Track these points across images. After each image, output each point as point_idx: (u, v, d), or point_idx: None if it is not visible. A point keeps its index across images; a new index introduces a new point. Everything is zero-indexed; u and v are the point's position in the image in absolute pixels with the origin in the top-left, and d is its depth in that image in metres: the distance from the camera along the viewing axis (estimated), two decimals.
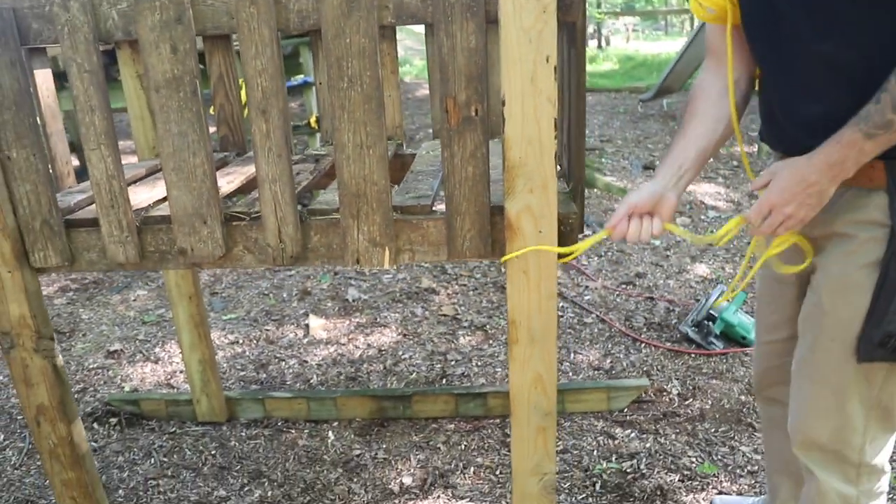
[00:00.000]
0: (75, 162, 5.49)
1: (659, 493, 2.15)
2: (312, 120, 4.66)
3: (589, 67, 14.34)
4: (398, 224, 1.38)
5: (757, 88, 1.42)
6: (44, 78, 1.79)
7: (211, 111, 2.02)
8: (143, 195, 1.68)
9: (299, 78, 5.45)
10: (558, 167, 1.77)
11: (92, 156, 1.42)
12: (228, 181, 1.74)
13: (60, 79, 2.38)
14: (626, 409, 2.58)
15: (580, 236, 1.45)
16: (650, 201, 1.34)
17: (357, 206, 1.35)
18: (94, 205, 1.47)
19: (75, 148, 5.06)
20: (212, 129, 2.12)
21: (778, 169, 1.24)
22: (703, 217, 4.79)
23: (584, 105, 1.43)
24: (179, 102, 1.35)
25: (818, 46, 1.17)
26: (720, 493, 2.16)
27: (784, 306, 1.54)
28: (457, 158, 1.31)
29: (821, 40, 1.17)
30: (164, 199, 1.60)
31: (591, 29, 20.43)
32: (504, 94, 1.24)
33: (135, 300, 3.81)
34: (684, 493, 2.15)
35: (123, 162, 1.46)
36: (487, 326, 3.30)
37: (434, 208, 1.42)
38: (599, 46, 19.20)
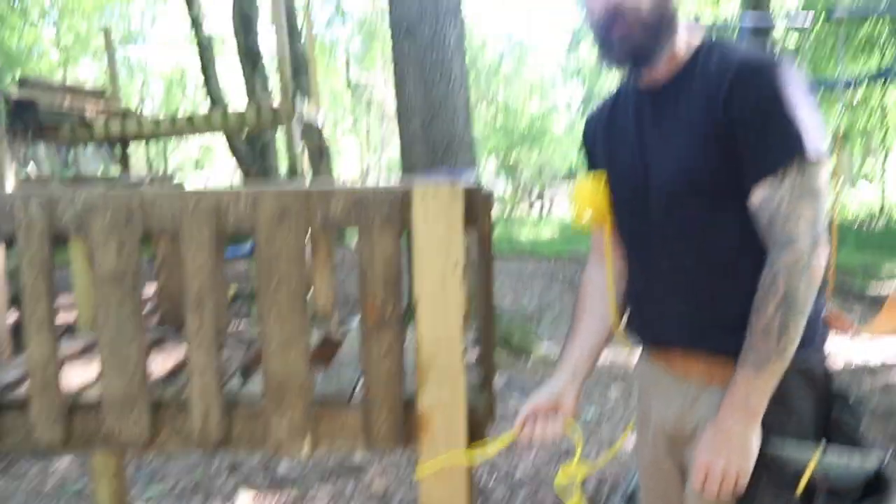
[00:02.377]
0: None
1: None
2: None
3: (531, 234, 15.02)
4: (318, 413, 1.47)
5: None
6: None
7: None
8: (76, 375, 1.74)
9: (250, 243, 5.64)
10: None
11: (31, 341, 1.50)
12: (162, 362, 1.82)
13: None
14: None
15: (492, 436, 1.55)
16: (550, 401, 1.47)
17: (280, 396, 1.44)
18: (26, 385, 1.53)
19: (17, 301, 5.04)
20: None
21: (699, 435, 1.33)
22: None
23: (491, 302, 1.58)
24: (121, 296, 1.46)
25: (677, 248, 1.34)
26: None
27: (672, 496, 1.58)
28: (374, 354, 1.43)
29: (679, 242, 1.34)
30: (97, 380, 1.67)
31: (534, 195, 21.59)
32: (416, 297, 1.39)
33: (52, 472, 3.68)
34: None
35: (62, 321, 1.53)
36: None
37: (353, 398, 1.52)
38: (541, 214, 20.19)
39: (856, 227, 13.24)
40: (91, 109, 7.20)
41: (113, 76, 9.21)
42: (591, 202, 1.46)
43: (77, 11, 18.51)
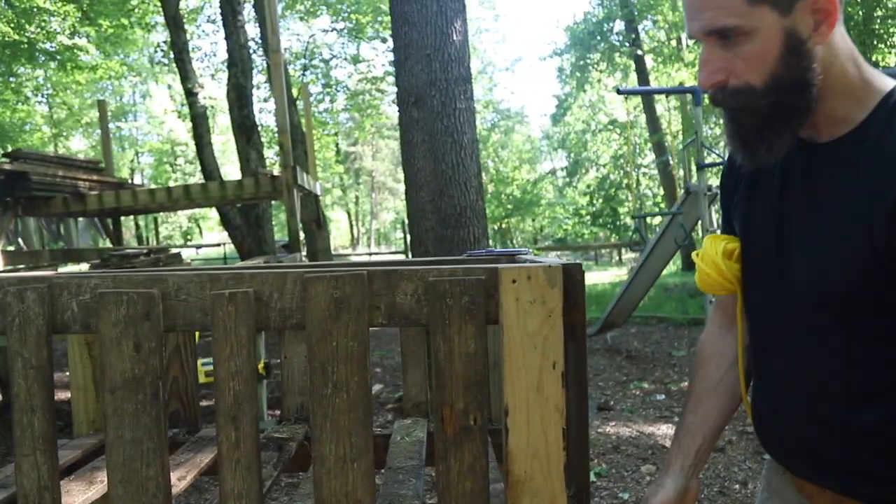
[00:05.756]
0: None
1: None
2: (260, 366, 4.47)
3: None
4: None
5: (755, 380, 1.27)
6: None
7: None
8: (76, 495, 1.45)
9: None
10: None
11: (24, 462, 1.22)
12: (179, 476, 1.53)
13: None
14: None
15: None
16: (678, 499, 1.23)
17: None
18: None
19: (2, 382, 4.75)
20: None
21: None
22: None
23: (586, 403, 1.32)
24: (137, 406, 1.19)
25: (819, 363, 1.04)
26: None
27: None
28: (453, 472, 1.16)
29: (822, 358, 1.04)
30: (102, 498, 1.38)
31: None
32: (507, 404, 1.13)
33: None
34: None
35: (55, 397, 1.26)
36: None
37: None
38: None
39: None
40: (84, 181, 7.00)
41: (106, 148, 9.06)
42: (717, 275, 1.19)
43: (70, 87, 18.60)
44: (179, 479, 1.51)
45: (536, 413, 1.13)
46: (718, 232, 1.28)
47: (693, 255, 1.25)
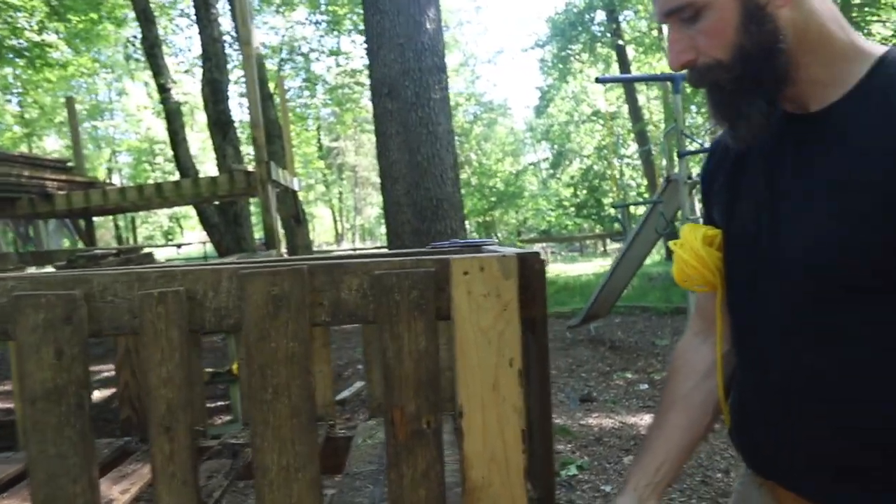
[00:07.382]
0: None
1: None
2: (235, 367, 4.36)
3: None
4: None
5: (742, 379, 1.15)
6: None
7: None
8: None
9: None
10: None
11: None
12: (123, 489, 1.43)
13: None
14: None
15: None
16: None
17: None
18: None
19: None
20: None
21: None
22: None
23: (549, 402, 1.24)
24: (60, 418, 1.09)
25: (809, 354, 0.95)
26: None
27: None
28: (405, 480, 1.07)
29: (813, 347, 0.94)
30: None
31: None
32: (461, 405, 1.04)
33: None
34: None
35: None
36: None
37: None
38: None
39: None
40: (52, 181, 6.83)
41: (76, 146, 8.88)
42: (697, 264, 1.10)
43: (41, 85, 18.31)
44: (123, 493, 1.41)
45: (493, 414, 1.04)
46: (701, 221, 1.20)
47: (671, 243, 1.16)
